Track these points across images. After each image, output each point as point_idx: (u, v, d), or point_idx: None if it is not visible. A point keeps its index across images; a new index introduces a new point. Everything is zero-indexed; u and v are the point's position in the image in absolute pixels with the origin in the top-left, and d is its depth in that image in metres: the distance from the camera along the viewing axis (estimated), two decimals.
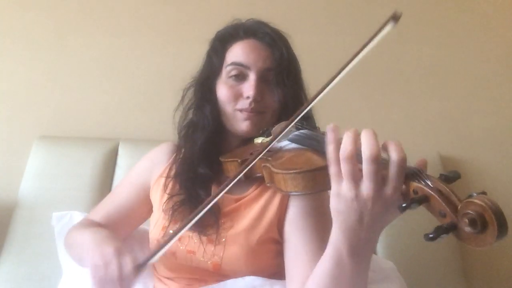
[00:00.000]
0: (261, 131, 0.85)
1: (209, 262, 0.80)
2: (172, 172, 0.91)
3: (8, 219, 1.30)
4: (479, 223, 0.42)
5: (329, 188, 0.57)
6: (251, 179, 0.80)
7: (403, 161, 0.49)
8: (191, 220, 0.64)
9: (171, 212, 0.84)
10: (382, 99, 1.67)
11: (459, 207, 0.44)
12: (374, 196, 0.50)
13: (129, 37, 1.63)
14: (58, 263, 1.20)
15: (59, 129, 1.51)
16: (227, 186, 0.65)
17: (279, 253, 0.82)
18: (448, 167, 1.57)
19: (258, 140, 0.84)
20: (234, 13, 1.69)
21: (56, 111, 1.54)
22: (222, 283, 0.80)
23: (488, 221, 0.42)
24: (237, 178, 0.65)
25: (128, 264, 0.66)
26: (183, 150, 0.93)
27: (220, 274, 0.81)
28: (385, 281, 0.99)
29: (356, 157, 0.51)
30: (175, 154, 0.95)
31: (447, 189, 0.46)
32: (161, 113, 1.59)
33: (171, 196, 0.87)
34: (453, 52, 1.77)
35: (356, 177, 0.51)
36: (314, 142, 0.70)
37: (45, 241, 1.25)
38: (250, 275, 0.80)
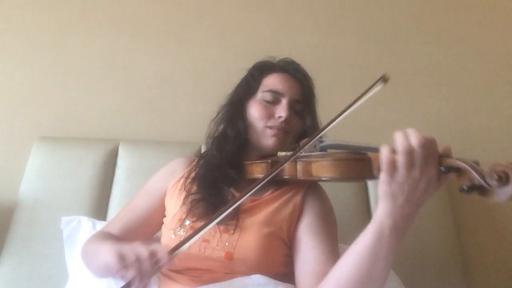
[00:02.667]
0: (284, 148, 0.97)
1: (222, 251, 0.86)
2: (192, 175, 1.00)
3: (8, 220, 1.30)
4: (504, 178, 0.57)
5: (358, 178, 0.75)
6: (274, 182, 0.90)
7: (433, 141, 0.64)
8: (225, 210, 0.73)
9: (189, 206, 0.92)
10: (382, 99, 1.67)
11: (485, 171, 0.60)
12: (420, 176, 0.63)
13: (129, 37, 1.63)
14: (58, 264, 1.20)
15: (59, 130, 1.50)
16: (265, 178, 0.77)
17: (286, 255, 0.91)
18: None
19: (282, 153, 0.96)
20: (235, 13, 1.70)
21: (56, 112, 1.54)
22: (228, 282, 0.84)
23: (511, 175, 0.57)
24: (276, 171, 0.79)
25: (159, 249, 0.71)
26: (207, 156, 1.04)
27: (230, 265, 0.86)
28: None
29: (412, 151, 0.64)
30: (195, 161, 1.05)
31: (473, 163, 0.62)
32: (161, 114, 1.59)
33: (188, 194, 0.95)
34: (453, 52, 1.77)
35: (410, 166, 0.63)
36: (343, 146, 0.84)
37: (45, 242, 1.25)
38: (257, 269, 0.85)
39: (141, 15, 1.66)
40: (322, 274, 0.77)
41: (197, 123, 1.57)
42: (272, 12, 1.73)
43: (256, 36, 1.70)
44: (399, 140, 0.64)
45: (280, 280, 0.86)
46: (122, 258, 0.71)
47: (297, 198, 0.96)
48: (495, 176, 0.58)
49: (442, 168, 0.63)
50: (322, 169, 0.79)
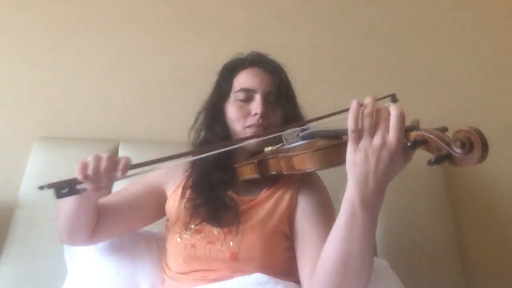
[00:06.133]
0: (269, 142, 0.97)
1: (227, 251, 0.89)
2: (189, 184, 1.01)
3: (8, 220, 1.30)
4: (468, 144, 0.57)
5: (340, 163, 0.73)
6: (265, 179, 0.95)
7: (401, 114, 0.64)
8: (218, 147, 0.80)
9: (191, 211, 0.94)
10: (382, 99, 1.67)
11: (451, 138, 0.59)
12: (381, 145, 0.63)
13: (129, 37, 1.63)
14: (58, 263, 1.20)
15: (59, 130, 1.50)
16: (258, 137, 0.85)
17: (289, 249, 0.93)
18: (448, 167, 1.56)
19: (268, 148, 0.97)
20: (234, 13, 1.70)
21: (56, 112, 1.54)
22: (229, 281, 0.86)
23: (474, 141, 0.56)
24: (263, 138, 0.87)
25: (119, 157, 0.77)
26: (197, 166, 1.03)
27: (235, 265, 0.88)
28: (380, 280, 1.00)
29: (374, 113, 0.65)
30: (190, 170, 1.04)
31: (439, 133, 0.62)
32: (161, 114, 1.59)
33: (188, 201, 0.96)
34: (453, 52, 1.77)
35: (372, 130, 0.65)
36: (322, 133, 0.85)
37: (45, 242, 1.25)
38: (262, 267, 0.88)
39: (141, 15, 1.66)
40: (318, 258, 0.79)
41: None
42: (272, 12, 1.73)
43: (256, 36, 1.70)
44: (366, 103, 0.67)
45: (283, 276, 0.89)
46: (84, 164, 0.76)
47: (293, 190, 0.98)
48: (458, 144, 0.58)
49: (408, 143, 0.63)
50: (303, 162, 0.82)
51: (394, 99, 0.79)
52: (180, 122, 1.59)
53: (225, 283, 0.85)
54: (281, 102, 1.01)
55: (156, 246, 1.05)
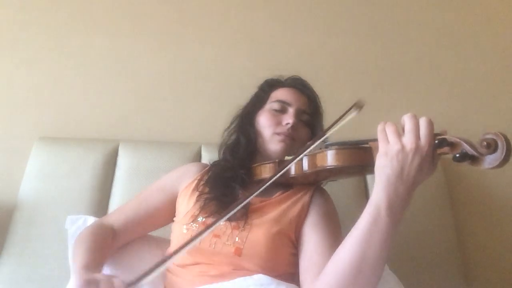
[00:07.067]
0: (291, 154, 0.99)
1: (232, 246, 0.89)
2: (205, 178, 1.03)
3: (8, 220, 1.30)
4: (493, 145, 0.62)
5: (360, 167, 0.80)
6: (282, 183, 0.98)
7: (430, 121, 0.68)
8: (233, 209, 0.75)
9: (202, 204, 0.95)
10: (382, 99, 1.67)
11: (477, 141, 0.64)
12: (414, 148, 0.65)
13: (129, 37, 1.63)
14: (58, 263, 1.21)
15: (59, 130, 1.50)
16: (275, 176, 0.79)
17: (293, 254, 0.93)
18: (448, 168, 1.57)
19: (289, 157, 0.96)
20: (235, 13, 1.70)
21: (56, 112, 1.54)
22: (231, 282, 0.85)
23: (499, 143, 0.62)
24: (286, 169, 0.82)
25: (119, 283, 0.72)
26: (220, 161, 1.09)
27: (238, 261, 0.87)
28: (380, 281, 0.99)
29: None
30: (208, 167, 1.08)
31: (465, 138, 0.66)
32: (161, 114, 1.59)
33: (201, 194, 0.98)
34: (453, 52, 1.77)
35: (399, 133, 0.68)
36: (347, 142, 0.87)
37: (45, 242, 1.25)
38: (264, 266, 0.88)
39: (141, 15, 1.66)
40: (323, 266, 0.79)
41: (197, 123, 1.58)
42: (272, 12, 1.73)
43: (256, 36, 1.70)
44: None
45: (286, 280, 0.88)
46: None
47: (305, 198, 0.99)
48: (485, 144, 0.63)
49: (436, 141, 0.66)
50: (325, 158, 0.84)
51: (359, 105, 0.80)
52: (180, 122, 1.60)
53: (227, 283, 0.84)
54: (311, 121, 1.09)
55: (156, 246, 1.05)
